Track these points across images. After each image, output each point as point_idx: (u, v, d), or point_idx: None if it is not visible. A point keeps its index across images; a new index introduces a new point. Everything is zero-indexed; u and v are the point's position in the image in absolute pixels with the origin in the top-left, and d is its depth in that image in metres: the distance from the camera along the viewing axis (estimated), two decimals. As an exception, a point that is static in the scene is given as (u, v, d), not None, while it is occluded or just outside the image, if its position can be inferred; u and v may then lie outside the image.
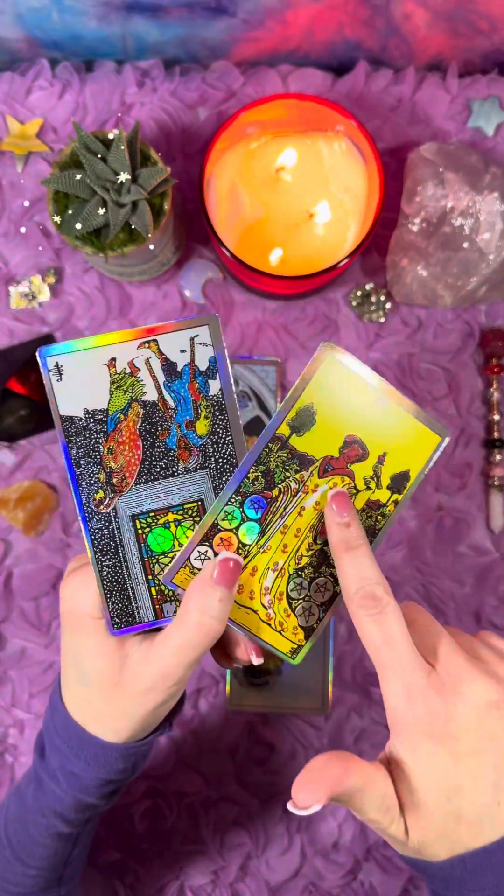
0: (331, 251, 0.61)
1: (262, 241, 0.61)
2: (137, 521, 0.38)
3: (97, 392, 0.36)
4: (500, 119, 0.67)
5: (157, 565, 0.38)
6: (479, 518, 0.67)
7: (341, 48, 0.66)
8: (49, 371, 0.36)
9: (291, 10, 0.60)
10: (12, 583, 0.66)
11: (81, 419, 0.37)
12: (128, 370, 0.36)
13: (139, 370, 0.36)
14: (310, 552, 0.38)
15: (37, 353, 0.36)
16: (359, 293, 0.67)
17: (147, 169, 0.54)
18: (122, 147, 0.52)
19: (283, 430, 0.37)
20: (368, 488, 0.37)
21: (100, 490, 0.37)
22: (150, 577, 0.38)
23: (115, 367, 0.36)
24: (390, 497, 0.38)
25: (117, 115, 0.67)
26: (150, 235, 0.54)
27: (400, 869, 0.65)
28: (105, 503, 0.37)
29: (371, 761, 0.34)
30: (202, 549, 0.37)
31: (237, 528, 0.37)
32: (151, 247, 0.57)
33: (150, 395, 0.37)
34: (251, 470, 0.37)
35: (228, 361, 0.37)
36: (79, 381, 0.36)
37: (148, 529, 0.38)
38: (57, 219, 0.55)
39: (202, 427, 0.37)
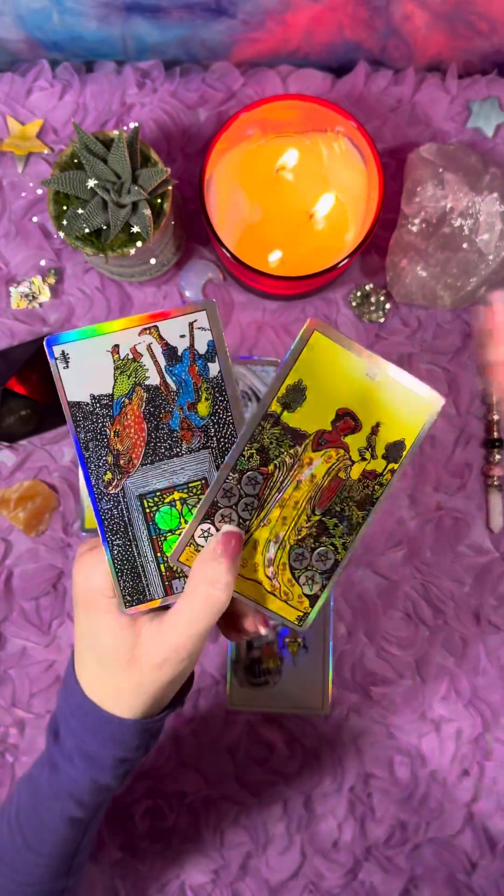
0: (330, 252, 0.61)
1: (262, 242, 0.61)
2: (145, 501, 0.39)
3: (102, 378, 0.38)
4: (500, 120, 0.67)
5: (165, 542, 0.40)
6: (479, 518, 0.67)
7: (341, 49, 0.66)
8: (56, 359, 0.38)
9: (291, 11, 0.60)
10: (13, 582, 0.66)
11: (88, 404, 0.38)
12: (130, 356, 0.38)
13: (142, 356, 0.38)
14: (309, 523, 0.39)
15: (44, 342, 0.38)
16: (358, 294, 0.67)
17: (147, 169, 0.54)
18: (123, 148, 0.52)
19: (275, 407, 0.38)
20: (364, 459, 0.39)
21: (108, 472, 0.39)
22: (158, 554, 0.40)
23: (118, 353, 0.38)
24: (386, 466, 0.39)
25: (117, 115, 0.67)
26: (149, 236, 0.54)
27: (400, 868, 0.65)
28: (114, 484, 0.39)
29: None
30: (205, 526, 0.39)
31: (236, 504, 0.39)
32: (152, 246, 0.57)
33: (153, 379, 0.38)
34: (246, 448, 0.38)
35: (226, 343, 0.39)
36: (84, 368, 0.38)
37: (155, 508, 0.40)
38: (57, 220, 0.55)
39: (203, 408, 0.39)
